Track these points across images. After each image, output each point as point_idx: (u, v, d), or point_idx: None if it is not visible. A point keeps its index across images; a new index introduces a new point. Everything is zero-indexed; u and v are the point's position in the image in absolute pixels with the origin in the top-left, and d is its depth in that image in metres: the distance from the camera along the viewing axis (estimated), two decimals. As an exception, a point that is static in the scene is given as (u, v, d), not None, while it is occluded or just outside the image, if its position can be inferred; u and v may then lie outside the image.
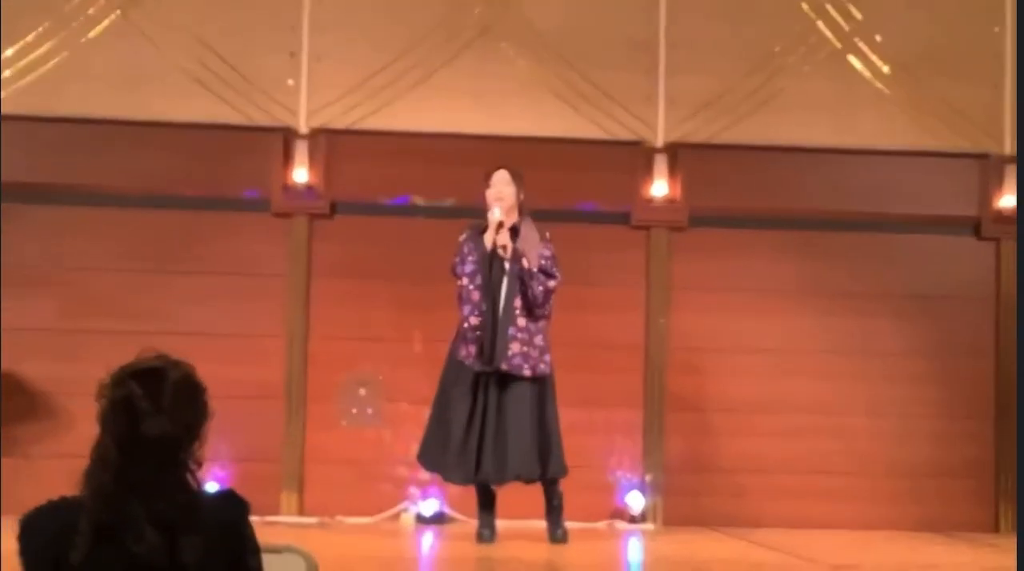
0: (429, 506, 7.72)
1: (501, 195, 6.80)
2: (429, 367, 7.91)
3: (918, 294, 8.30)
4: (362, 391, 8.03)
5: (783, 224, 8.30)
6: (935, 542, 7.55)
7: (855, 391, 8.22)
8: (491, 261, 6.72)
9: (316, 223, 8.09)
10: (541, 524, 6.93)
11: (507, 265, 6.71)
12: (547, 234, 6.90)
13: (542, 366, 6.70)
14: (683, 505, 8.05)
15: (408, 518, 7.76)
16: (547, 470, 6.74)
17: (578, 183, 8.12)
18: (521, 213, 6.83)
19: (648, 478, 8.05)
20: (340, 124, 8.11)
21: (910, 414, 8.22)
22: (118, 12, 8.01)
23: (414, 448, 7.96)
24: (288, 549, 3.08)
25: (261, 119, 8.08)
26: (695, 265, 8.22)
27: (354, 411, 8.02)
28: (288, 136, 8.05)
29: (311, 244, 8.06)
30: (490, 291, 6.69)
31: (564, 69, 8.22)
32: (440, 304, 7.87)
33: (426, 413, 6.98)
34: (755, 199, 8.27)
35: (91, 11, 7.99)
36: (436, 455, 6.82)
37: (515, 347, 6.64)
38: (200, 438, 2.57)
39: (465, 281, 6.72)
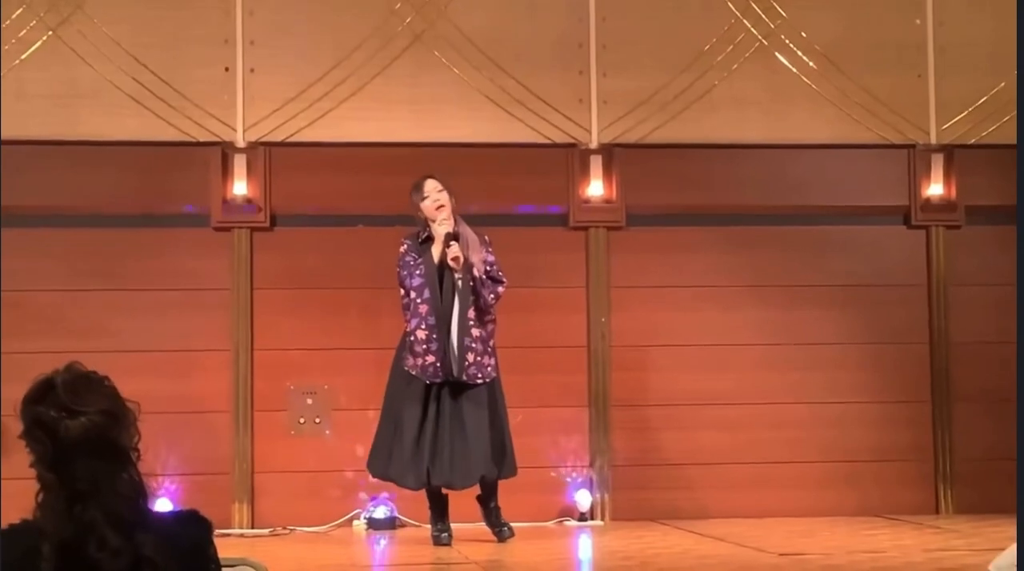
0: (380, 512, 7.77)
1: (442, 202, 6.83)
2: (375, 374, 7.96)
3: (852, 284, 8.43)
4: (309, 401, 8.07)
5: (718, 220, 8.41)
6: (877, 526, 7.65)
7: (794, 381, 8.33)
8: (440, 274, 6.76)
9: (257, 236, 8.12)
10: (482, 526, 7.03)
11: (458, 277, 6.74)
12: (487, 237, 6.96)
13: (491, 371, 6.80)
14: (631, 500, 8.15)
15: (360, 525, 7.80)
16: (501, 471, 6.85)
17: (516, 187, 8.20)
18: (455, 218, 6.88)
19: (595, 475, 8.15)
20: (277, 137, 8.14)
21: (848, 401, 8.35)
22: (50, 33, 8.00)
23: (363, 455, 8.02)
24: (243, 562, 3.07)
25: (198, 134, 8.09)
26: (634, 263, 8.31)
27: (302, 421, 8.06)
28: (226, 150, 8.07)
29: (253, 257, 8.08)
30: (439, 304, 6.71)
31: (497, 74, 8.29)
32: (383, 311, 7.94)
33: (373, 419, 7.03)
34: (690, 196, 8.37)
35: (23, 33, 7.97)
36: (387, 462, 6.84)
37: (470, 357, 6.70)
38: (124, 423, 2.55)
39: (413, 294, 6.73)
